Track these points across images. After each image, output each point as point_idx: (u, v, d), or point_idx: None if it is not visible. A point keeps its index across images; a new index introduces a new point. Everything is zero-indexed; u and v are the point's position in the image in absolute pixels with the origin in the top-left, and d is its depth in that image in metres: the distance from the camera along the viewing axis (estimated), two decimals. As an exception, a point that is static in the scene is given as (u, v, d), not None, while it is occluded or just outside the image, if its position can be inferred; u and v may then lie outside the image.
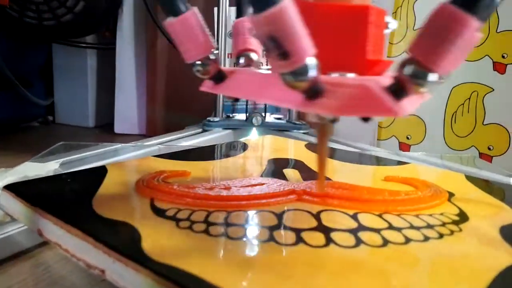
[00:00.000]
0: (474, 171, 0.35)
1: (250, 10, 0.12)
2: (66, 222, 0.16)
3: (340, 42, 0.16)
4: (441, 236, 0.17)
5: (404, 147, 0.57)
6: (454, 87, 0.53)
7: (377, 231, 0.17)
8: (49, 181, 0.23)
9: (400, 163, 0.31)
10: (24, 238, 0.22)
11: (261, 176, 0.24)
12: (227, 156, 0.31)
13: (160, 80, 0.72)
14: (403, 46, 0.55)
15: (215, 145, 0.35)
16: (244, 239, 0.15)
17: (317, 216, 0.18)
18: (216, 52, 0.18)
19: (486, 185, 0.26)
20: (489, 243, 0.16)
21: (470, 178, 0.27)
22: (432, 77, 0.12)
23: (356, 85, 0.13)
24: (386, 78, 0.14)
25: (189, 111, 0.71)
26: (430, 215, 0.19)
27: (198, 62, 0.17)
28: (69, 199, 0.20)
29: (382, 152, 0.43)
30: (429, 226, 0.18)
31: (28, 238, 0.23)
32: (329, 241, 0.15)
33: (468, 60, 0.51)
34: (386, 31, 0.18)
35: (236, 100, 0.19)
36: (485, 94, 0.51)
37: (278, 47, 0.12)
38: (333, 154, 0.35)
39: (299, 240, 0.15)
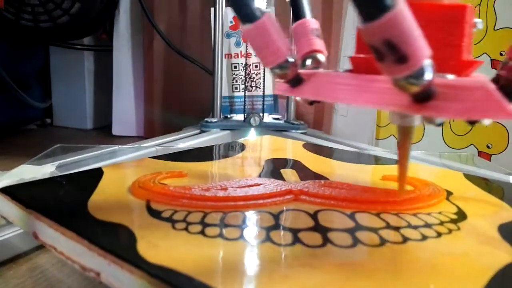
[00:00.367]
0: (473, 169, 0.35)
1: (359, 19, 0.12)
2: (61, 225, 0.16)
3: (438, 42, 0.15)
4: (439, 235, 0.17)
5: (402, 146, 0.57)
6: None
7: (375, 230, 0.16)
8: (45, 183, 0.22)
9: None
10: (21, 241, 0.22)
11: (259, 176, 0.24)
12: (225, 156, 0.31)
13: (158, 81, 0.72)
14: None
15: (212, 146, 0.35)
16: (241, 240, 0.15)
17: (314, 216, 0.18)
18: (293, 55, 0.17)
19: (485, 184, 0.26)
20: (487, 241, 0.16)
21: (469, 177, 0.27)
22: None
23: (469, 87, 0.13)
24: (486, 78, 0.14)
25: (187, 112, 0.71)
26: (428, 214, 0.19)
27: (276, 66, 0.17)
28: (64, 202, 0.20)
29: (381, 152, 0.43)
30: (427, 225, 0.17)
31: (24, 241, 0.22)
32: (326, 241, 0.15)
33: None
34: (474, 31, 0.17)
35: (314, 102, 0.19)
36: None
37: (395, 52, 0.12)
38: (331, 153, 0.34)
39: (296, 240, 0.15)
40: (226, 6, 0.56)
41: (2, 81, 0.57)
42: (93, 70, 0.76)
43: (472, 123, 0.14)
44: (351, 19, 0.60)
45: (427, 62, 0.12)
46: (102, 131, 0.77)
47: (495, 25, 0.48)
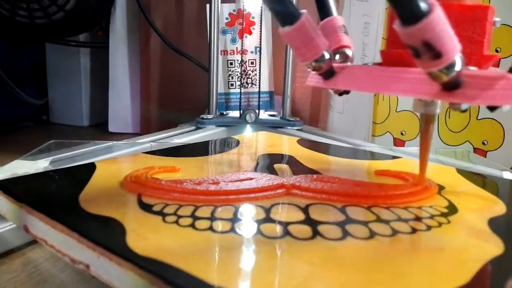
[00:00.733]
0: (469, 165, 0.35)
1: (399, 23, 0.13)
2: (52, 218, 0.16)
3: (464, 39, 0.17)
4: (429, 228, 0.17)
5: (398, 143, 0.57)
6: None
7: (365, 223, 0.17)
8: (37, 178, 0.22)
9: (394, 158, 0.31)
10: (14, 236, 0.22)
11: (253, 171, 0.24)
12: (219, 152, 0.31)
13: (154, 78, 0.72)
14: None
15: (207, 141, 0.35)
16: (231, 232, 0.15)
17: (305, 210, 0.18)
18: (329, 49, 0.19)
19: (477, 179, 0.26)
20: (477, 234, 0.16)
21: (462, 172, 0.27)
22: None
23: (494, 77, 0.15)
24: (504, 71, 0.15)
25: (183, 109, 0.71)
26: (419, 207, 0.19)
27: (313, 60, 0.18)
28: (55, 196, 0.20)
29: (376, 148, 0.43)
30: (417, 219, 0.17)
31: (17, 236, 0.22)
32: (315, 233, 0.15)
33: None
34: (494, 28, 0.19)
35: (343, 93, 0.22)
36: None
37: (431, 50, 0.13)
38: (325, 149, 0.34)
39: (286, 233, 0.15)
40: (222, 2, 0.56)
41: (-2, 78, 0.57)
42: (89, 67, 0.76)
43: (492, 109, 0.16)
44: (347, 14, 0.60)
45: (458, 56, 0.14)
46: (99, 128, 0.76)
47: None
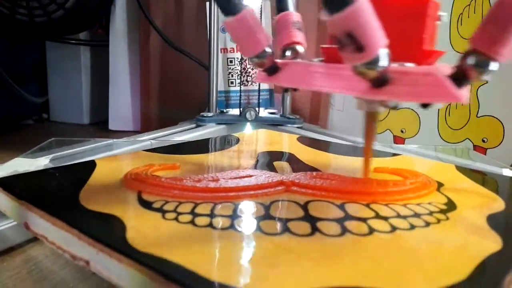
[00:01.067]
0: (468, 163, 0.35)
1: (324, 11, 0.13)
2: (52, 215, 0.16)
3: (400, 34, 0.16)
4: (427, 224, 0.17)
5: (398, 140, 0.57)
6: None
7: (364, 220, 0.17)
8: (37, 175, 0.22)
9: (394, 155, 0.31)
10: (15, 233, 0.22)
11: (253, 168, 0.24)
12: (219, 150, 0.31)
13: (154, 76, 0.72)
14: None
15: (207, 139, 0.35)
16: (230, 229, 0.15)
17: (304, 207, 0.18)
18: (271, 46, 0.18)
19: (477, 176, 0.26)
20: (475, 231, 0.16)
21: (461, 169, 0.27)
22: (494, 66, 0.13)
23: (421, 73, 0.14)
24: (444, 67, 0.15)
25: (183, 107, 0.71)
26: (418, 204, 0.19)
27: (254, 56, 0.18)
28: (56, 193, 0.20)
29: (376, 146, 0.43)
30: (416, 215, 0.18)
31: (18, 233, 0.22)
32: (314, 230, 0.15)
33: (460, 52, 0.51)
34: (438, 23, 0.19)
35: (289, 89, 0.21)
36: (479, 87, 0.51)
37: (354, 42, 0.13)
38: (325, 146, 0.35)
39: (285, 229, 0.15)
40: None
41: (-2, 76, 0.57)
42: (89, 65, 0.76)
43: (424, 106, 0.15)
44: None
45: (383, 51, 0.13)
46: (99, 126, 0.76)
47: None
